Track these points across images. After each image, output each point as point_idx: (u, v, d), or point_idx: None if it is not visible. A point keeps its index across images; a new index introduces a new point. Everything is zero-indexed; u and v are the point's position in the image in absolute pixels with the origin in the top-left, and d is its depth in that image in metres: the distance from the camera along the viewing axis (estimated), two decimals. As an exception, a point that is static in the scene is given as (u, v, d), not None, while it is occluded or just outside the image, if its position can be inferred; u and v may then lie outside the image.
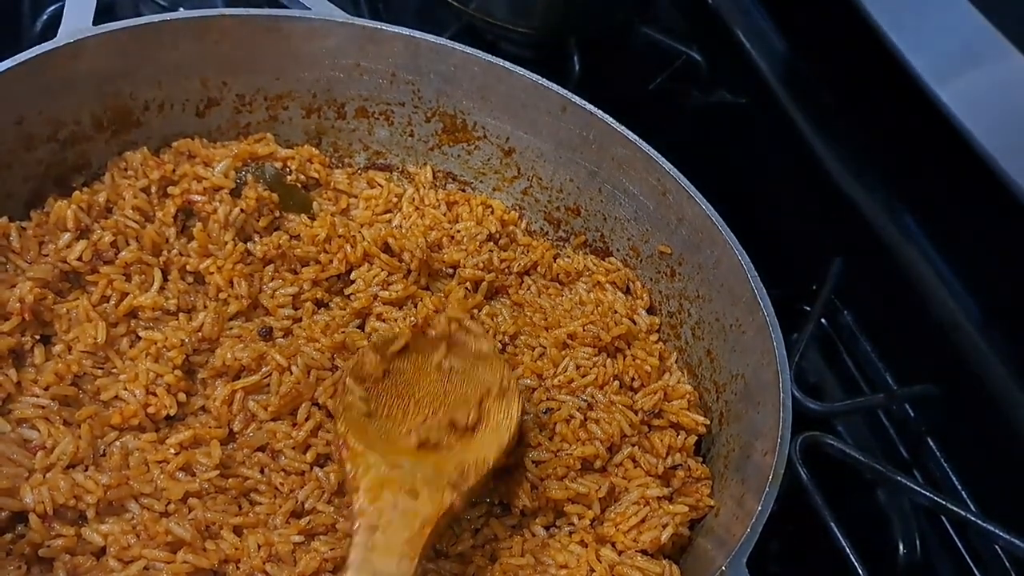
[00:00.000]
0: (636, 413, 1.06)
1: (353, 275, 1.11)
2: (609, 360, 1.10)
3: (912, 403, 1.33)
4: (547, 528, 0.98)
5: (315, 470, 0.95)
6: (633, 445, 1.03)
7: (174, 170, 1.10)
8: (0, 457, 0.87)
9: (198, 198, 1.08)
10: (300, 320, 1.06)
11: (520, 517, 0.98)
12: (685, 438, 1.05)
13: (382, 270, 1.11)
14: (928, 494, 1.12)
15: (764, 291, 1.02)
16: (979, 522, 1.08)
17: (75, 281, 1.02)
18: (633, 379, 1.09)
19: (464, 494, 0.87)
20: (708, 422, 1.06)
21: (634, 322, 1.16)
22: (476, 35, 1.64)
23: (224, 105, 1.19)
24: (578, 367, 1.09)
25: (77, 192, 1.05)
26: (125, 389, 0.96)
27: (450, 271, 1.17)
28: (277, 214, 1.13)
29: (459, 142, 1.27)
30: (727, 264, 1.07)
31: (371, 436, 0.91)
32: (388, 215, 1.21)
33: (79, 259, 1.01)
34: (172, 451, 0.92)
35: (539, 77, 1.19)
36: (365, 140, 1.28)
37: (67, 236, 1.02)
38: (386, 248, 1.13)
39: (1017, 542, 1.05)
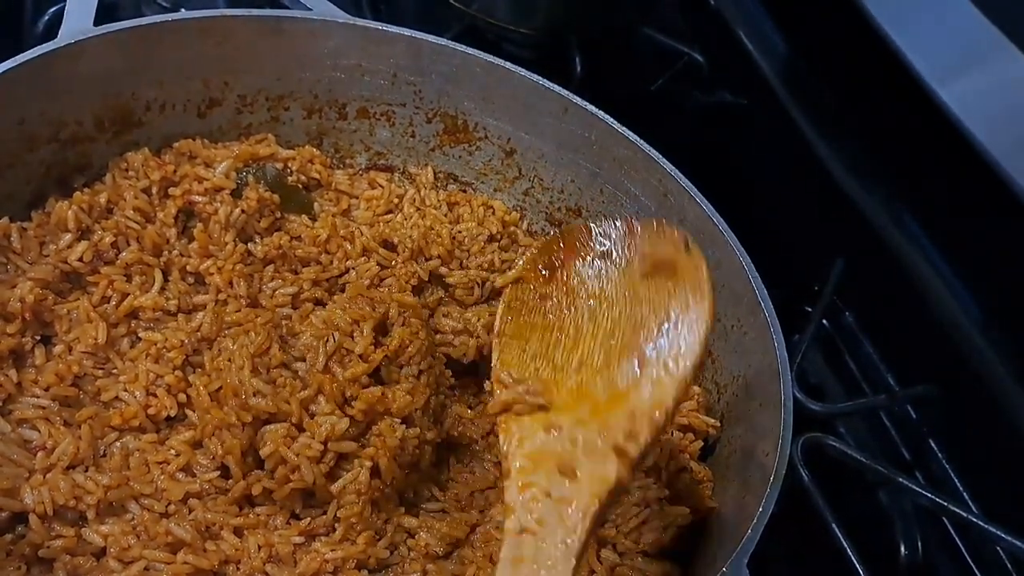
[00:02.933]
0: None
1: (349, 262, 1.11)
2: None
3: (914, 404, 1.32)
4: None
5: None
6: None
7: (175, 171, 1.10)
8: (0, 457, 0.87)
9: (199, 199, 1.08)
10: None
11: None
12: (692, 440, 1.05)
13: (377, 264, 1.11)
14: (929, 495, 1.12)
15: (765, 292, 1.02)
16: (980, 523, 1.08)
17: (76, 282, 1.02)
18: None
19: (633, 461, 0.74)
20: (717, 424, 1.06)
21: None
22: (478, 36, 1.64)
23: (225, 106, 1.19)
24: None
25: (78, 193, 1.05)
26: (125, 390, 0.96)
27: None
28: (278, 215, 1.13)
29: (460, 143, 1.27)
30: (728, 265, 1.07)
31: (525, 369, 0.80)
32: (389, 216, 1.21)
33: (80, 260, 1.01)
34: (173, 452, 0.92)
35: (540, 78, 1.19)
36: (366, 141, 1.28)
37: (68, 237, 1.02)
38: (385, 244, 1.13)
39: (1018, 543, 1.05)
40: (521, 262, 0.90)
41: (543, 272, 0.88)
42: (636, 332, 0.81)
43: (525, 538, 0.71)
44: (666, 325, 0.80)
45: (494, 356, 0.84)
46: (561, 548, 0.70)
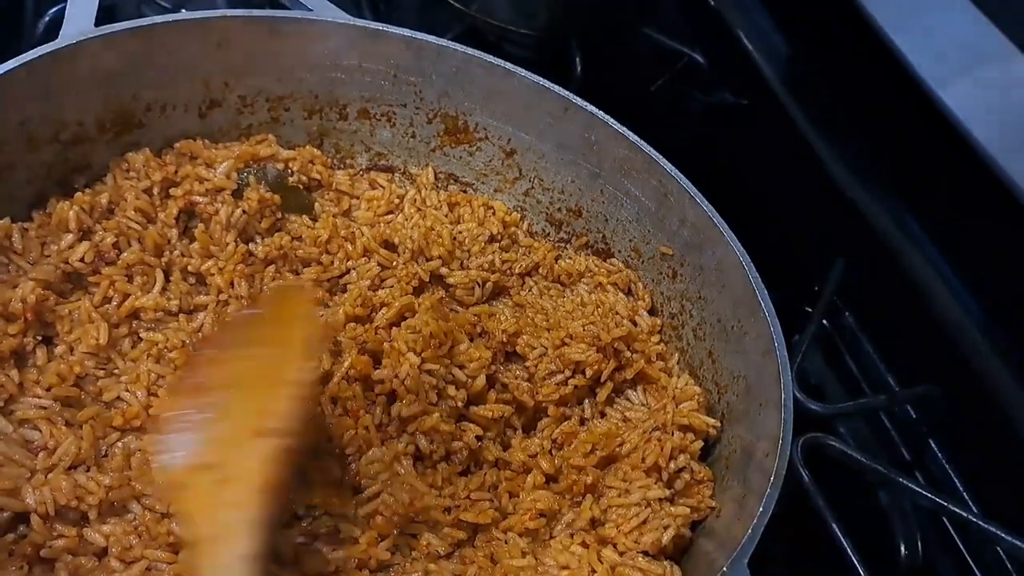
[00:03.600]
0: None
1: (350, 263, 1.11)
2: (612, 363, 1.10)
3: (914, 404, 1.33)
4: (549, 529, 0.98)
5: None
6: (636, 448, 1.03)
7: (176, 171, 1.10)
8: (2, 458, 0.87)
9: (200, 199, 1.08)
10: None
11: (525, 520, 0.98)
12: (692, 440, 1.05)
13: (378, 264, 1.11)
14: (929, 495, 1.12)
15: (766, 292, 1.02)
16: (980, 523, 1.08)
17: (77, 282, 1.02)
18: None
19: (278, 428, 0.80)
20: (718, 424, 1.06)
21: (635, 324, 1.16)
22: (478, 36, 1.64)
23: (226, 106, 1.19)
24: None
25: (79, 193, 1.05)
26: (127, 390, 0.96)
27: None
28: (279, 215, 1.13)
29: (461, 143, 1.28)
30: (729, 265, 1.07)
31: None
32: (390, 216, 1.21)
33: (81, 260, 1.01)
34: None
35: (541, 78, 1.19)
36: (367, 141, 1.28)
37: (69, 237, 1.02)
38: (386, 245, 1.13)
39: (1019, 543, 1.05)
40: None
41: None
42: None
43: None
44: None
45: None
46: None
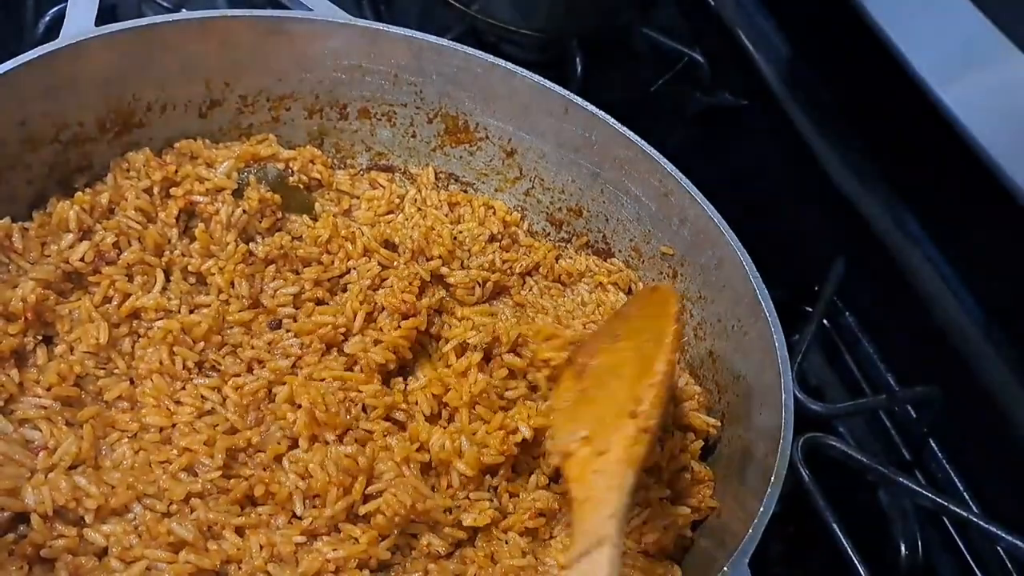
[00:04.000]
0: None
1: (351, 263, 1.11)
2: None
3: (914, 404, 1.33)
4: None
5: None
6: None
7: (176, 171, 1.10)
8: (2, 457, 0.87)
9: (200, 199, 1.08)
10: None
11: (525, 520, 0.98)
12: (692, 440, 1.05)
13: (379, 264, 1.11)
14: (929, 495, 1.12)
15: (766, 292, 1.02)
16: (980, 523, 1.08)
17: (77, 282, 1.02)
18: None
19: (648, 413, 0.88)
20: (718, 424, 1.06)
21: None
22: (479, 37, 1.65)
23: (226, 106, 1.19)
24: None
25: (79, 193, 1.05)
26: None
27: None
28: (279, 215, 1.13)
29: (461, 143, 1.28)
30: (729, 265, 1.07)
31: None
32: (390, 216, 1.21)
33: (81, 260, 1.01)
34: (175, 452, 0.92)
35: (541, 78, 1.19)
36: (367, 141, 1.28)
37: (69, 237, 1.02)
38: (386, 244, 1.13)
39: (1019, 543, 1.05)
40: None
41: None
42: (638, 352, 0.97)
43: (587, 507, 0.84)
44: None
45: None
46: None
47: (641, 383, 0.91)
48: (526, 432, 0.98)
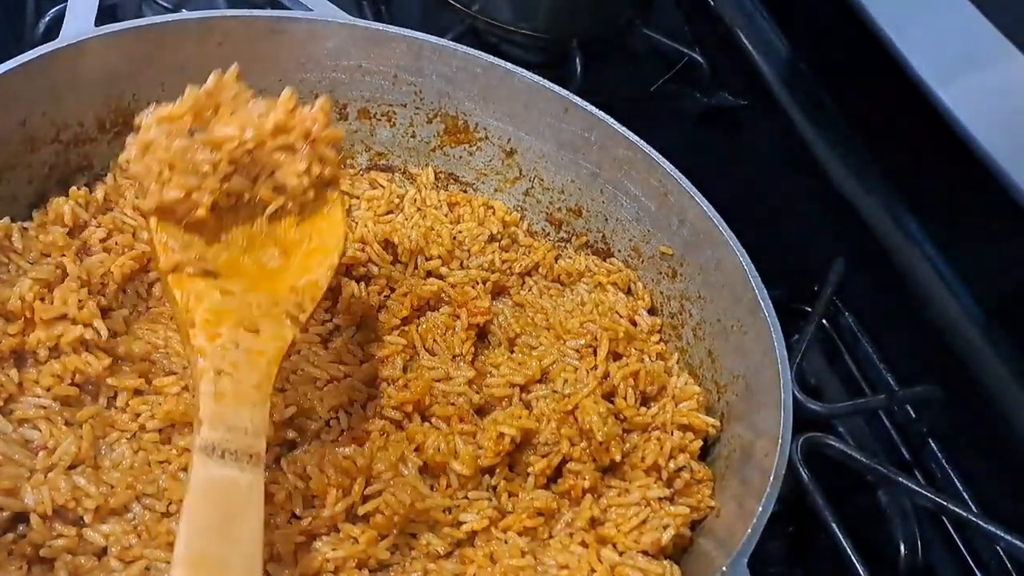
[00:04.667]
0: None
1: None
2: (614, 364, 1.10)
3: (913, 404, 1.33)
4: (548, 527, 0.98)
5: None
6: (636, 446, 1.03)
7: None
8: (2, 457, 0.87)
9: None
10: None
11: (524, 519, 0.97)
12: (692, 440, 1.05)
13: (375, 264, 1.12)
14: (929, 495, 1.12)
15: (765, 292, 1.02)
16: (980, 523, 1.08)
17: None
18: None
19: (303, 326, 0.83)
20: (718, 423, 1.06)
21: (635, 323, 1.16)
22: (478, 37, 1.65)
23: (226, 106, 1.19)
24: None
25: (74, 188, 1.06)
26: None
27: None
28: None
29: (461, 143, 1.28)
30: (728, 265, 1.07)
31: (192, 248, 0.83)
32: (390, 216, 1.21)
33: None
34: (175, 451, 0.93)
35: (541, 78, 1.19)
36: (367, 141, 1.29)
37: (57, 230, 1.02)
38: (386, 244, 1.13)
39: (1019, 543, 1.05)
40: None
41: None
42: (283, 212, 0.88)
43: (223, 378, 0.75)
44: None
45: (151, 224, 0.85)
46: (256, 391, 0.76)
47: (307, 287, 0.84)
48: (512, 433, 0.98)
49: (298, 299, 0.84)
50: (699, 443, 1.05)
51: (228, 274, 0.83)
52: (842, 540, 1.06)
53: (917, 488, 1.13)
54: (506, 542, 0.95)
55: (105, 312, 0.99)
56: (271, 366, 0.78)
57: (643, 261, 1.21)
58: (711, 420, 1.06)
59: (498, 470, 0.99)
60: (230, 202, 0.85)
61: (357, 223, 1.15)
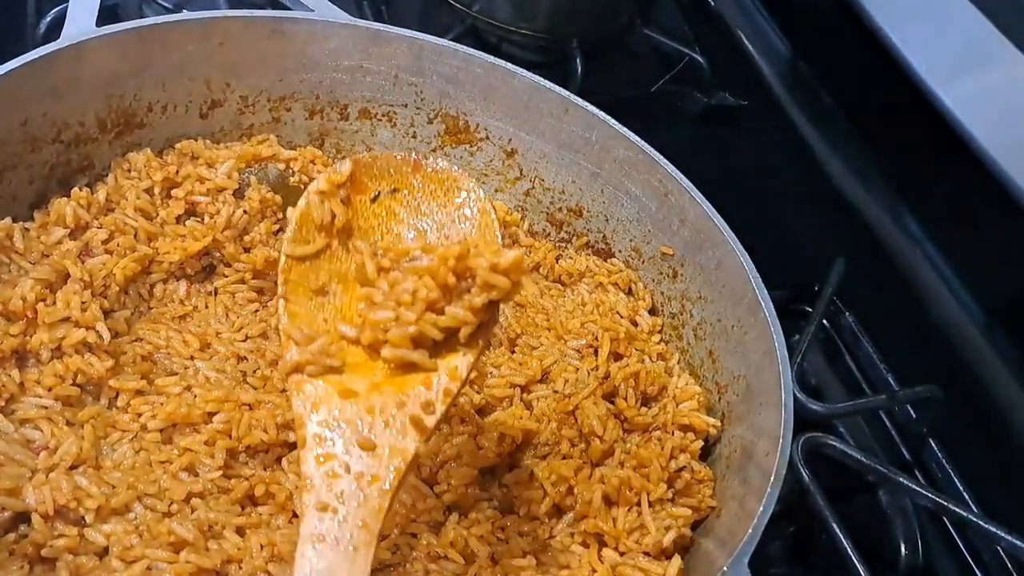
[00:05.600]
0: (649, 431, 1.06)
1: None
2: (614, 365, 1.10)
3: (914, 404, 1.33)
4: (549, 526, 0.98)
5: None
6: (637, 446, 1.03)
7: (177, 171, 1.10)
8: (3, 457, 0.87)
9: (201, 199, 1.08)
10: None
11: (525, 520, 0.98)
12: (692, 440, 1.05)
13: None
14: (930, 495, 1.12)
15: (766, 292, 1.02)
16: (981, 523, 1.08)
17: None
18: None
19: (430, 433, 0.73)
20: (719, 423, 1.06)
21: (636, 324, 1.17)
22: (479, 37, 1.65)
23: (227, 107, 1.20)
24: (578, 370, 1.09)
25: (76, 189, 1.06)
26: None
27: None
28: (280, 216, 1.13)
29: (461, 143, 1.28)
30: (729, 265, 1.07)
31: (316, 325, 0.76)
32: (390, 216, 1.21)
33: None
34: (176, 452, 0.93)
35: (541, 79, 1.19)
36: (368, 141, 1.29)
37: (59, 231, 1.02)
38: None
39: (1019, 543, 1.05)
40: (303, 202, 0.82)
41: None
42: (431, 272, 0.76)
43: (327, 516, 0.69)
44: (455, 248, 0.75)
45: (279, 307, 0.78)
46: (363, 531, 0.68)
47: (436, 363, 0.74)
48: (513, 433, 0.98)
49: (429, 396, 0.73)
50: (700, 443, 1.05)
51: (355, 365, 0.75)
52: (842, 540, 1.06)
53: (917, 488, 1.13)
54: (507, 542, 0.95)
55: (107, 313, 1.00)
56: (383, 498, 0.69)
57: (644, 261, 1.21)
58: (712, 420, 1.06)
59: (498, 470, 1.00)
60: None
61: None
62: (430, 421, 0.73)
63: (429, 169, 0.83)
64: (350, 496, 0.69)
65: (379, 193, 0.83)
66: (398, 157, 0.83)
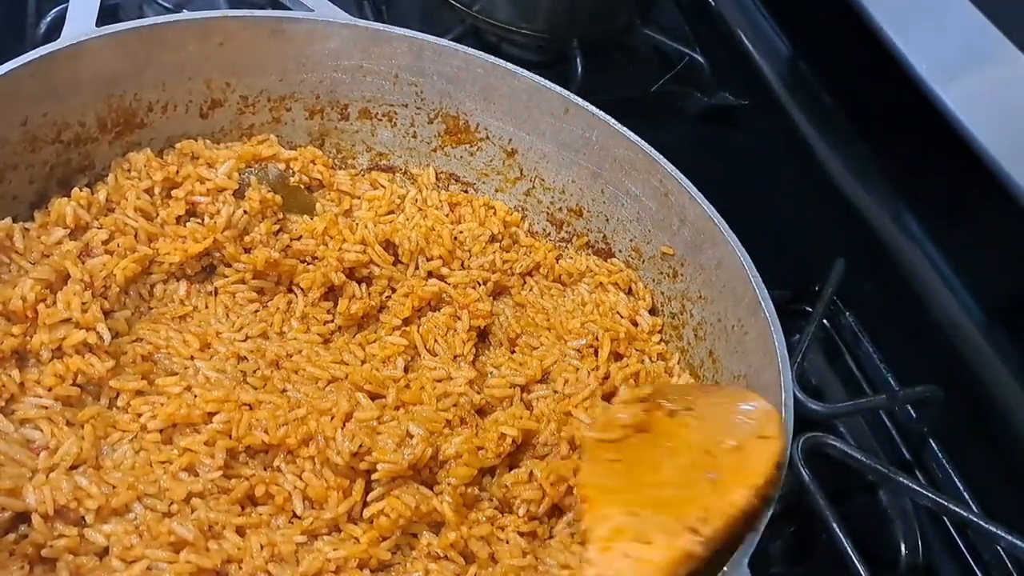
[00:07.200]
0: None
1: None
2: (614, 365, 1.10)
3: (914, 404, 1.33)
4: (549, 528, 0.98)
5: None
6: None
7: (177, 171, 1.10)
8: (3, 457, 0.87)
9: (201, 199, 1.08)
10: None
11: (524, 520, 0.98)
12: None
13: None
14: (930, 495, 1.12)
15: (766, 292, 1.02)
16: (981, 523, 1.08)
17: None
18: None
19: (706, 540, 0.79)
20: None
21: (636, 323, 1.17)
22: (479, 37, 1.65)
23: (227, 106, 1.20)
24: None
25: (76, 189, 1.06)
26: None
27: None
28: (280, 216, 1.13)
29: (462, 143, 1.28)
30: (729, 265, 1.07)
31: (614, 480, 0.86)
32: (391, 216, 1.21)
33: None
34: (176, 452, 0.93)
35: (541, 78, 1.19)
36: (368, 141, 1.29)
37: (59, 232, 1.02)
38: (387, 244, 1.13)
39: (1019, 543, 1.05)
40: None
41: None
42: (711, 455, 0.88)
43: None
44: (733, 442, 0.89)
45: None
46: None
47: (714, 501, 0.82)
48: (513, 433, 0.98)
49: (706, 515, 0.81)
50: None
51: (641, 502, 0.84)
52: (843, 540, 1.06)
53: (917, 488, 1.13)
54: (507, 542, 0.95)
55: (107, 314, 1.00)
56: (657, 573, 0.77)
57: (644, 261, 1.21)
58: None
59: (498, 470, 1.00)
60: None
61: (358, 224, 1.15)
62: (705, 530, 0.80)
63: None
64: (624, 572, 0.77)
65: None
66: None
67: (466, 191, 1.30)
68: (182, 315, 1.06)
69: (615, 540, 0.79)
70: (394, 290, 1.13)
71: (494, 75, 1.20)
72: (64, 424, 0.91)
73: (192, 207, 1.09)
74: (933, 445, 1.30)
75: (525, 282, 1.21)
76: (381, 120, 1.27)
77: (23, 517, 0.85)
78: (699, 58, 1.74)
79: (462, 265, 1.17)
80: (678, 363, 1.14)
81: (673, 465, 0.87)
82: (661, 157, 1.14)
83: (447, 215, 1.22)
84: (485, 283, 1.16)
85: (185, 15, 1.11)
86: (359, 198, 1.23)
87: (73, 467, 0.89)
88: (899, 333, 1.39)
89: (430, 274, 1.15)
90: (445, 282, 1.15)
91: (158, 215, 1.08)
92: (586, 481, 0.87)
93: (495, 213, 1.24)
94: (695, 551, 0.78)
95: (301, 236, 1.13)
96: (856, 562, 1.04)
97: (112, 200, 1.07)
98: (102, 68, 1.06)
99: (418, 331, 1.09)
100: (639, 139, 1.15)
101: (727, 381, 1.08)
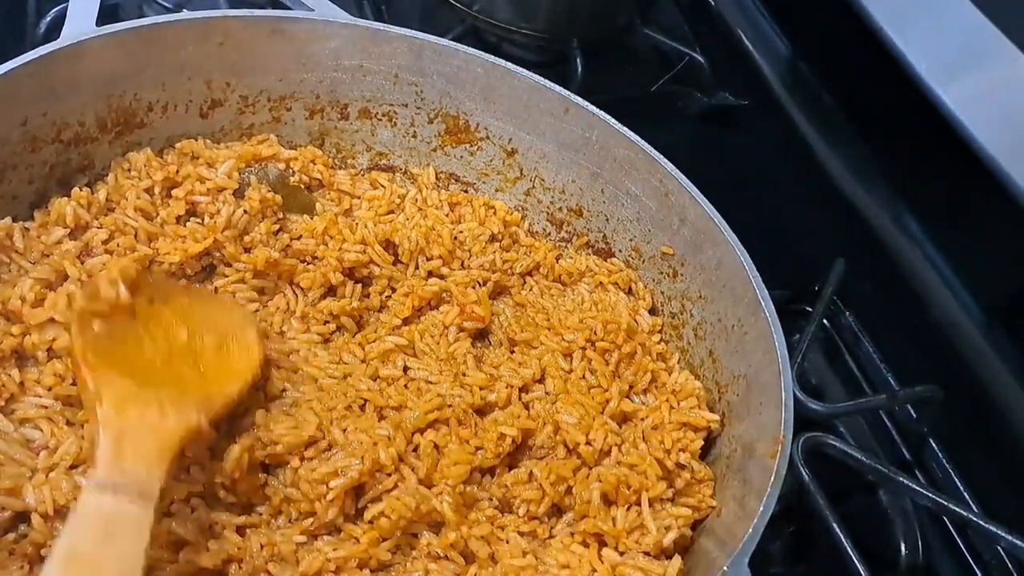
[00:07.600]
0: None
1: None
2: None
3: (914, 404, 1.33)
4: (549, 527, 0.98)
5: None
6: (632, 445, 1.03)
7: (177, 171, 1.10)
8: (3, 457, 0.87)
9: (201, 199, 1.08)
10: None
11: (524, 520, 0.98)
12: (692, 439, 1.05)
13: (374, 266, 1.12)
14: (930, 495, 1.12)
15: (766, 292, 1.02)
16: (981, 523, 1.08)
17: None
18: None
19: (211, 418, 0.87)
20: (718, 418, 1.06)
21: (636, 323, 1.17)
22: (479, 37, 1.65)
23: (227, 106, 1.20)
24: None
25: (76, 189, 1.06)
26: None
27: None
28: (280, 215, 1.13)
29: (462, 143, 1.28)
30: (729, 265, 1.07)
31: (114, 358, 0.89)
32: (391, 216, 1.21)
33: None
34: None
35: (541, 78, 1.19)
36: (368, 141, 1.29)
37: (59, 232, 1.02)
38: (387, 244, 1.13)
39: (1019, 543, 1.05)
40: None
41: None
42: (192, 351, 0.96)
43: (124, 441, 0.80)
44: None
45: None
46: (154, 454, 0.81)
47: (211, 388, 0.91)
48: (512, 433, 0.98)
49: (208, 399, 0.89)
50: (700, 442, 1.05)
51: (143, 381, 0.87)
52: (843, 540, 1.06)
53: (917, 488, 1.13)
54: (507, 542, 0.95)
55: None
56: (173, 438, 0.83)
57: (644, 261, 1.21)
58: (712, 416, 1.06)
59: (498, 470, 1.00)
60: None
61: (358, 223, 1.15)
62: (210, 410, 0.89)
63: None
64: (143, 434, 0.82)
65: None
66: None
67: (466, 191, 1.30)
68: (182, 315, 1.06)
69: (129, 405, 0.83)
70: (394, 290, 1.13)
71: (494, 75, 1.20)
72: (64, 424, 0.91)
73: (192, 207, 1.09)
74: (933, 445, 1.30)
75: (525, 282, 1.21)
76: (381, 120, 1.27)
77: (23, 517, 0.85)
78: (699, 58, 1.74)
79: (462, 265, 1.17)
80: (678, 363, 1.14)
81: (157, 350, 0.93)
82: (661, 157, 1.14)
83: (447, 215, 1.22)
84: (485, 283, 1.16)
85: (185, 15, 1.11)
86: (359, 198, 1.23)
87: (73, 467, 0.89)
88: (899, 333, 1.39)
89: (430, 274, 1.15)
90: (445, 282, 1.15)
91: (158, 215, 1.08)
92: (83, 347, 0.87)
93: (495, 213, 1.24)
94: (203, 428, 0.86)
95: (301, 236, 1.13)
96: (856, 562, 1.04)
97: (112, 200, 1.07)
98: (102, 68, 1.06)
99: (418, 331, 1.09)
100: (639, 139, 1.15)
101: (727, 381, 1.08)
